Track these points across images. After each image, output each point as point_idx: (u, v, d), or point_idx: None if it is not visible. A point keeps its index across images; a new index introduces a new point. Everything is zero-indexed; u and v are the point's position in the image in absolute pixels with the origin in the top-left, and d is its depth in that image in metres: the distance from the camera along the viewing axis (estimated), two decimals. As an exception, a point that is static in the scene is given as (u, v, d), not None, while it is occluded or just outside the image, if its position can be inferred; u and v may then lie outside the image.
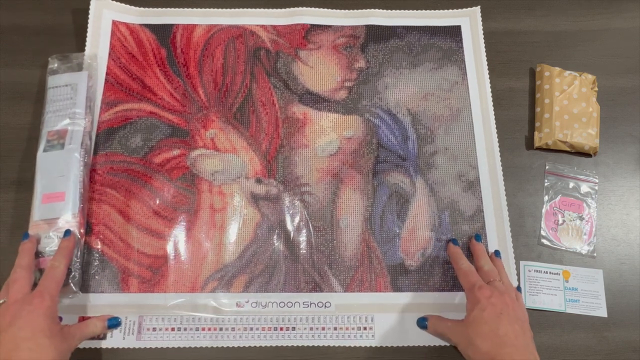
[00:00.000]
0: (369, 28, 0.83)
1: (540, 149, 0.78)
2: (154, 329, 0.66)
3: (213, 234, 0.71)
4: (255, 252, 0.70)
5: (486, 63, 0.81)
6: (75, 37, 0.81)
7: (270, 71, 0.80)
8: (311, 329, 0.67)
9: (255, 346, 0.66)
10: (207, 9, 0.84)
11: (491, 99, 0.79)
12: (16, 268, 0.61)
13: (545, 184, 0.76)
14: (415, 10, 0.85)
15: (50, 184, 0.68)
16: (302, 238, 0.71)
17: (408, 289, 0.69)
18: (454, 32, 0.83)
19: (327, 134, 0.77)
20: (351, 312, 0.68)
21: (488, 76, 0.81)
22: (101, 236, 0.70)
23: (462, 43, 0.83)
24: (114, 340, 0.66)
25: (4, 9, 0.83)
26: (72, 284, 0.65)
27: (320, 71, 0.80)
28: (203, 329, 0.67)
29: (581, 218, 0.74)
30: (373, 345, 0.67)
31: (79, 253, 0.67)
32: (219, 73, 0.79)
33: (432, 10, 0.85)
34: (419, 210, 0.73)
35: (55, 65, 0.75)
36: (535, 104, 0.80)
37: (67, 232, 0.66)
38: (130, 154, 0.74)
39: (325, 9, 0.84)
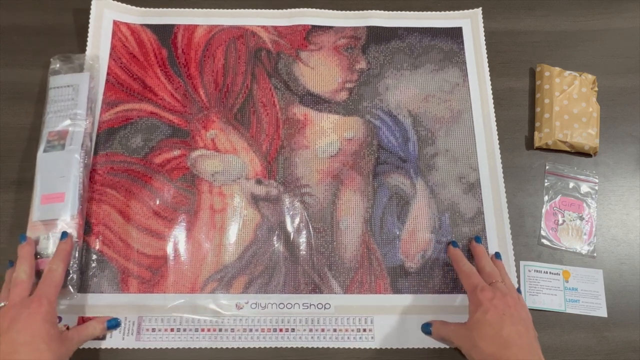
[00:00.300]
0: (370, 29, 0.83)
1: (540, 149, 0.78)
2: (154, 330, 0.66)
3: (213, 234, 0.71)
4: (255, 253, 0.70)
5: (487, 65, 0.81)
6: (75, 37, 0.81)
7: (271, 72, 0.80)
8: (310, 330, 0.67)
9: (254, 347, 0.66)
10: (208, 10, 0.84)
11: (492, 101, 0.79)
12: (17, 271, 0.62)
13: (545, 184, 0.76)
14: (416, 12, 0.85)
15: (49, 184, 0.68)
16: (302, 239, 0.71)
17: (408, 291, 0.69)
18: (455, 34, 0.83)
19: (327, 135, 0.77)
20: (351, 313, 0.68)
21: (489, 78, 0.81)
22: (101, 236, 0.70)
23: (463, 45, 0.83)
24: (114, 340, 0.66)
25: (4, 9, 0.83)
26: (70, 287, 0.65)
27: (321, 72, 0.80)
28: (202, 330, 0.67)
29: (581, 218, 0.74)
30: (372, 347, 0.67)
31: (77, 254, 0.66)
32: (220, 73, 0.79)
33: (434, 12, 0.85)
34: (419, 212, 0.73)
35: (57, 65, 0.75)
36: (535, 104, 0.80)
37: (64, 235, 0.66)
38: (131, 154, 0.74)
39: (327, 10, 0.84)
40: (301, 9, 0.84)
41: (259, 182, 0.74)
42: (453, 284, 0.70)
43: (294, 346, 0.66)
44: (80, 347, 0.64)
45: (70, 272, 0.65)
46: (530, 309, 0.66)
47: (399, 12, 0.85)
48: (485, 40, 0.83)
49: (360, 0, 0.85)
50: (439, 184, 0.75)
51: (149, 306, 0.67)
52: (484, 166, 0.76)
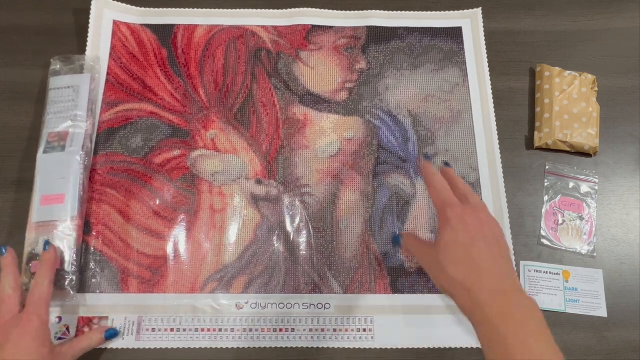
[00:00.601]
0: (370, 29, 0.83)
1: (540, 149, 0.78)
2: (153, 330, 0.66)
3: (213, 234, 0.71)
4: (255, 253, 0.70)
5: (487, 65, 0.81)
6: (75, 37, 0.81)
7: (271, 72, 0.80)
8: (310, 330, 0.67)
9: (254, 347, 0.66)
10: (208, 10, 0.84)
11: (492, 101, 0.79)
12: (1, 286, 0.60)
13: (545, 184, 0.76)
14: (416, 12, 0.85)
15: (49, 185, 0.68)
16: (302, 239, 0.71)
17: (408, 291, 0.69)
18: (455, 34, 0.83)
19: (327, 135, 0.77)
20: (351, 313, 0.68)
21: (489, 78, 0.81)
22: (101, 236, 0.70)
23: (463, 45, 0.83)
24: (113, 340, 0.66)
25: (4, 9, 0.83)
26: (69, 289, 0.65)
27: (321, 72, 0.80)
28: (202, 330, 0.67)
29: (581, 218, 0.74)
30: (372, 347, 0.66)
31: (74, 255, 0.66)
32: (220, 73, 0.79)
33: (433, 12, 0.85)
34: (419, 212, 0.73)
35: (58, 66, 0.75)
36: (535, 104, 0.80)
37: (47, 244, 0.64)
38: (131, 154, 0.74)
39: (327, 10, 0.84)
40: (301, 9, 0.84)
41: (259, 182, 0.74)
42: (453, 284, 0.70)
43: (294, 346, 0.66)
44: (80, 347, 0.64)
45: (70, 273, 0.65)
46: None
47: (399, 12, 0.85)
48: (485, 40, 0.83)
49: (360, 0, 0.85)
50: (439, 184, 0.75)
51: (149, 306, 0.67)
52: (484, 166, 0.76)
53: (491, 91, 0.80)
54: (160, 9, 0.83)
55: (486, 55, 0.82)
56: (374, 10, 0.84)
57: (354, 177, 0.74)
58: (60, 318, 0.66)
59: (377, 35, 0.83)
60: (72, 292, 0.65)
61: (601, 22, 0.87)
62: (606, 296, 0.70)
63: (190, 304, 0.68)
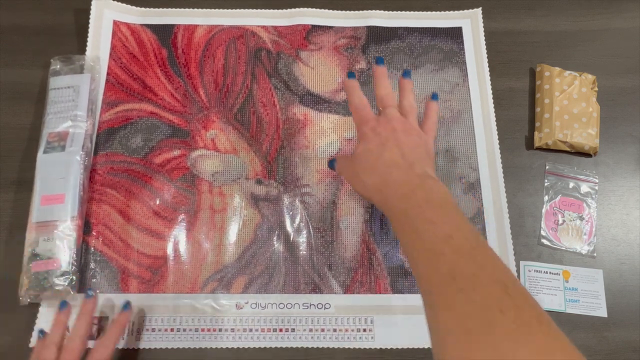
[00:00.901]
0: (370, 29, 0.83)
1: (540, 149, 0.78)
2: (154, 330, 0.66)
3: (213, 234, 0.71)
4: (255, 253, 0.70)
5: (487, 65, 0.81)
6: (75, 37, 0.81)
7: (271, 72, 0.80)
8: (310, 330, 0.67)
9: (254, 347, 0.66)
10: (208, 10, 0.84)
11: (492, 101, 0.79)
12: (73, 335, 0.59)
13: (545, 184, 0.76)
14: (416, 12, 0.85)
15: (49, 185, 0.68)
16: (302, 239, 0.71)
17: (408, 291, 0.69)
18: (455, 34, 0.83)
19: (327, 135, 0.77)
20: (351, 313, 0.68)
21: (489, 78, 0.81)
22: (101, 236, 0.70)
23: (463, 45, 0.83)
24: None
25: (4, 9, 0.83)
26: (69, 289, 0.65)
27: (321, 72, 0.80)
28: (202, 330, 0.67)
29: (581, 218, 0.74)
30: (372, 347, 0.66)
31: (74, 255, 0.66)
32: (220, 73, 0.79)
33: (433, 12, 0.85)
34: (419, 211, 0.73)
35: (58, 66, 0.75)
36: (535, 104, 0.80)
37: (127, 305, 0.64)
38: (131, 154, 0.74)
39: (327, 10, 0.84)
40: (301, 9, 0.84)
41: (259, 182, 0.74)
42: (453, 284, 0.70)
43: (294, 346, 0.66)
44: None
45: (70, 273, 0.65)
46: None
47: (399, 12, 0.85)
48: (485, 40, 0.83)
49: (360, 0, 0.85)
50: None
51: (148, 306, 0.67)
52: (484, 166, 0.76)
53: (491, 91, 0.80)
54: (160, 9, 0.83)
55: (486, 55, 0.82)
56: (374, 10, 0.84)
57: (354, 177, 0.74)
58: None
59: (377, 35, 0.83)
60: (72, 292, 0.65)
61: (601, 22, 0.86)
62: (606, 296, 0.70)
63: (190, 304, 0.68)
